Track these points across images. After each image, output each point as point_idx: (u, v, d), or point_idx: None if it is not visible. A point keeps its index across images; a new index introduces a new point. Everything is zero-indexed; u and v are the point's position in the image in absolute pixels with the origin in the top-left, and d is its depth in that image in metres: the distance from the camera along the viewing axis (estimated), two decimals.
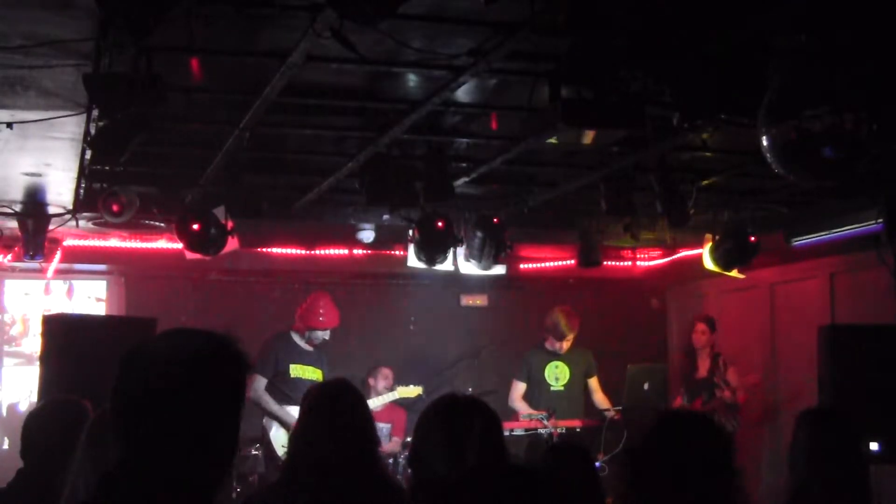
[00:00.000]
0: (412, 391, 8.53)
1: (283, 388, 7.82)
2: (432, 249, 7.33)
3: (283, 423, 7.61)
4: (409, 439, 7.81)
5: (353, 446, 3.38)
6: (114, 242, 8.95)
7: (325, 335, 8.09)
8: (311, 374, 7.95)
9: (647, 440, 2.82)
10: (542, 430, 7.74)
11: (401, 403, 8.69)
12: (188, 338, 1.87)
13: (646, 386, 8.13)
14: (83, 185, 6.61)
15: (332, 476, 3.29)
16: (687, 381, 8.91)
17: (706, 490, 2.66)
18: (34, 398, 9.09)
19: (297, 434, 3.48)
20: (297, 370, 7.95)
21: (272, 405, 7.76)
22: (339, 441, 3.35)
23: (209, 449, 1.79)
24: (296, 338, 8.12)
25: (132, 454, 1.78)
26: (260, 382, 7.83)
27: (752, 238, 7.51)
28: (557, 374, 8.55)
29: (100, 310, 9.80)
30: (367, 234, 8.58)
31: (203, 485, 1.80)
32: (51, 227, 7.60)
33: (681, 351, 9.20)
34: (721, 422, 8.61)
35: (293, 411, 7.08)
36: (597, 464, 7.15)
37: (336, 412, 3.43)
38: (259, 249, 9.26)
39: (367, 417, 3.56)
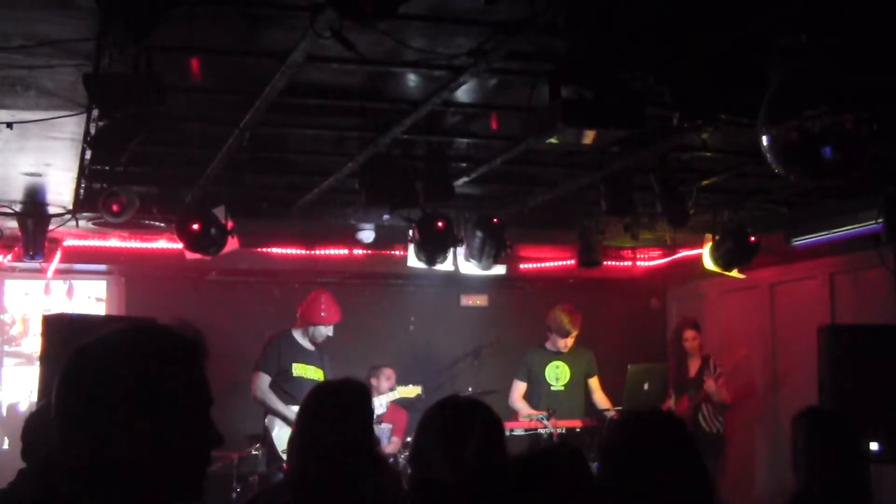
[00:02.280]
0: (411, 391, 8.53)
1: (285, 387, 7.82)
2: (432, 249, 7.33)
3: (288, 422, 7.61)
4: (409, 439, 7.84)
5: (358, 446, 3.37)
6: (114, 242, 8.95)
7: (328, 331, 8.10)
8: (314, 373, 7.95)
9: (609, 442, 2.85)
10: (542, 430, 7.75)
11: (401, 403, 8.69)
12: (133, 332, 1.79)
13: (646, 386, 8.13)
14: (83, 185, 6.61)
15: (337, 475, 3.28)
16: (676, 383, 8.97)
17: (674, 488, 2.66)
18: (34, 398, 9.09)
19: (302, 433, 3.47)
20: (299, 369, 7.95)
21: (277, 404, 7.76)
22: (345, 441, 3.34)
23: (159, 450, 1.70)
24: (298, 337, 8.12)
25: (66, 451, 1.70)
26: (264, 381, 7.82)
27: (752, 238, 7.51)
28: (558, 374, 8.55)
29: (100, 310, 9.80)
30: (367, 234, 8.58)
31: (152, 489, 1.71)
32: (51, 227, 7.60)
33: (671, 355, 9.26)
34: (704, 421, 8.70)
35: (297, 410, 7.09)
36: (595, 464, 7.18)
37: (345, 411, 3.42)
38: (259, 249, 9.26)
39: (371, 417, 3.55)
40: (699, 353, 9.04)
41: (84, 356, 1.75)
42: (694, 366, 9.00)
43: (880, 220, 6.54)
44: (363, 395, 3.57)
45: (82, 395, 1.71)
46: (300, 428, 3.49)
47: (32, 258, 7.63)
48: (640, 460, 2.69)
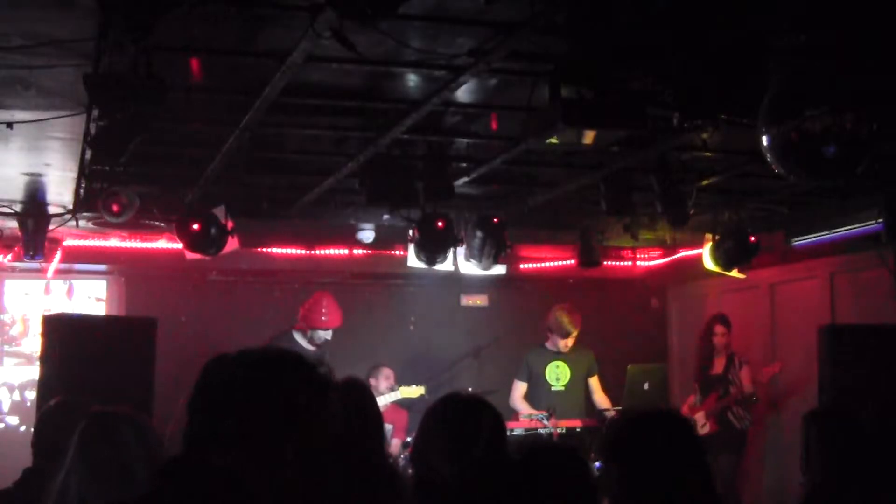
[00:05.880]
0: (415, 391, 8.53)
1: None
2: (432, 249, 7.32)
3: None
4: (409, 439, 7.84)
5: (363, 445, 3.36)
6: (114, 242, 8.95)
7: (327, 335, 8.10)
8: None
9: (613, 440, 2.83)
10: (542, 430, 7.75)
11: (402, 403, 8.69)
12: (266, 351, 1.99)
13: (646, 386, 8.14)
14: (83, 185, 6.61)
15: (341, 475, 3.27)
16: (701, 380, 8.95)
17: (679, 487, 2.65)
18: (18, 397, 9.18)
19: None
20: None
21: None
22: (352, 440, 3.32)
23: (271, 453, 1.85)
24: (298, 337, 8.13)
25: (193, 449, 1.85)
26: None
27: (752, 238, 7.51)
28: (558, 374, 8.55)
29: (100, 310, 9.81)
30: (367, 234, 8.58)
31: (256, 486, 1.84)
32: (51, 227, 7.60)
33: (697, 350, 9.22)
34: (734, 417, 8.70)
35: None
36: (596, 464, 7.18)
37: (349, 411, 3.40)
38: (259, 249, 9.26)
39: (379, 417, 3.54)
40: (725, 350, 8.98)
41: (219, 370, 1.91)
42: (720, 363, 8.95)
43: (880, 220, 6.55)
44: (366, 396, 3.56)
45: (210, 407, 1.88)
46: None
47: (32, 258, 7.63)
48: (645, 459, 2.69)
